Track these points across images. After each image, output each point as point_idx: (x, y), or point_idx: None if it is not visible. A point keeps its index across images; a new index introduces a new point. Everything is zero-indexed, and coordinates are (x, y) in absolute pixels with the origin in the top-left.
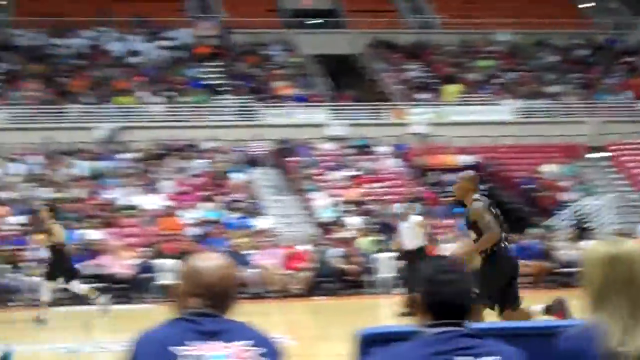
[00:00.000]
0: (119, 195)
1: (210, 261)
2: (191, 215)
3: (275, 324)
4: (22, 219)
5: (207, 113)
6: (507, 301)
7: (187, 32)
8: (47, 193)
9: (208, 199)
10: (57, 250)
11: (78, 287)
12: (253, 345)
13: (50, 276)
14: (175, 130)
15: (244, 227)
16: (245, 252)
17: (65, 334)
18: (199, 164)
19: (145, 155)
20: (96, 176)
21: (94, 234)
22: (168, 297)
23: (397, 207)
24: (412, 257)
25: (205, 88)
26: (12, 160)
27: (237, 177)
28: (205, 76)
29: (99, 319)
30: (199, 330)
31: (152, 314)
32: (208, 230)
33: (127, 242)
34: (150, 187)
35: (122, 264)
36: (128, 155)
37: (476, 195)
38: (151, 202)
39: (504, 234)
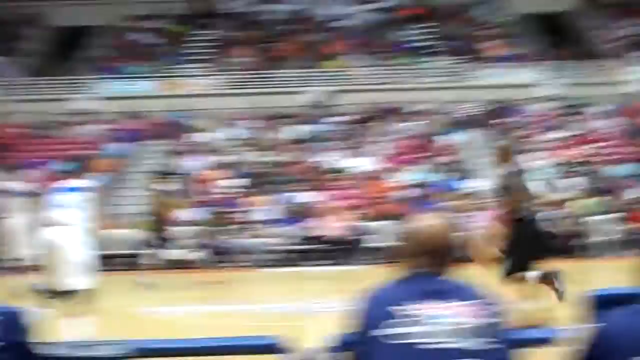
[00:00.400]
0: (328, 158)
1: (430, 221)
2: (400, 178)
3: (487, 287)
4: (235, 182)
5: (414, 75)
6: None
7: None
8: (257, 157)
9: (417, 161)
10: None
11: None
12: (476, 305)
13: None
14: (383, 93)
15: (453, 189)
16: (454, 214)
17: (278, 295)
18: (407, 127)
19: (353, 119)
20: (305, 140)
21: (303, 197)
22: (379, 259)
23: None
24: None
25: (412, 50)
26: (225, 125)
27: (445, 139)
28: (412, 38)
29: (311, 279)
30: (422, 290)
31: (362, 276)
32: (417, 193)
33: (337, 204)
34: (358, 150)
35: (332, 227)
36: (336, 119)
37: (509, 164)
38: (360, 164)
39: (527, 203)
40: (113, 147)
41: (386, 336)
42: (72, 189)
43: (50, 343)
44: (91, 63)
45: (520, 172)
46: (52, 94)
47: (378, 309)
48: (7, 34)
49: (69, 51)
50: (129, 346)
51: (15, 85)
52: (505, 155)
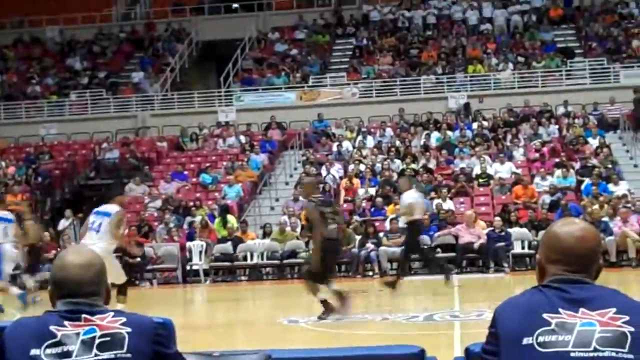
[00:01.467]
0: (472, 164)
1: (575, 226)
2: (545, 183)
3: (635, 293)
4: (376, 190)
5: (560, 77)
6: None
7: None
8: (399, 164)
9: (562, 165)
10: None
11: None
12: (619, 313)
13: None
14: (528, 96)
15: (601, 193)
16: (601, 219)
17: (420, 303)
18: (552, 130)
19: (497, 123)
20: (448, 146)
21: (446, 204)
22: (522, 266)
23: None
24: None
25: (558, 52)
26: (366, 133)
27: (592, 142)
28: (558, 39)
29: (452, 288)
30: (564, 298)
31: (505, 283)
32: (562, 198)
33: (480, 211)
34: (502, 155)
35: (474, 233)
36: (481, 124)
37: (312, 197)
38: (504, 170)
39: (332, 226)
40: (254, 158)
41: (541, 344)
42: (103, 214)
43: (185, 353)
44: (234, 76)
45: (323, 203)
46: (193, 108)
47: (530, 316)
48: (153, 49)
49: (213, 65)
50: (267, 356)
51: (155, 99)
52: (309, 189)
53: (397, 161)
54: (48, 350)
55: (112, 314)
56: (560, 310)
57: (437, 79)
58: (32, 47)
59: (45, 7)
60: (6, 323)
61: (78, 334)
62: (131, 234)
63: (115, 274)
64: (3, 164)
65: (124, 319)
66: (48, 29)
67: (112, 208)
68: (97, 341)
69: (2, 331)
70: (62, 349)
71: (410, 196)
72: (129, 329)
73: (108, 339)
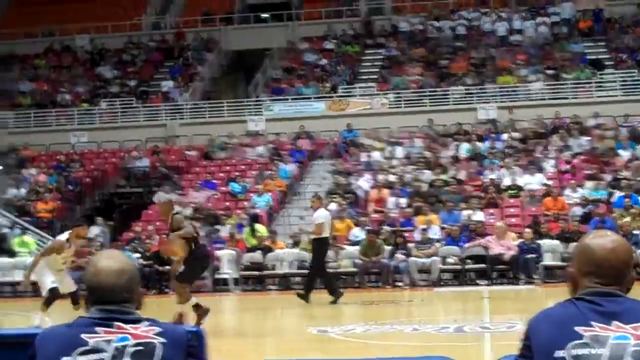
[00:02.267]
0: (502, 175)
1: (607, 239)
2: (576, 195)
3: None
4: (405, 201)
5: (590, 89)
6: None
7: (568, 6)
8: (430, 175)
9: (593, 177)
10: None
11: None
12: None
13: None
14: (559, 107)
15: (632, 205)
16: (634, 232)
17: (450, 314)
18: (583, 142)
19: (528, 134)
20: (478, 157)
21: (476, 215)
22: (554, 278)
23: None
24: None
25: (588, 63)
26: (395, 143)
27: (623, 154)
28: (588, 51)
29: (485, 299)
30: (597, 311)
31: (536, 296)
32: (594, 210)
33: (510, 222)
34: (533, 166)
35: (505, 245)
36: (511, 135)
37: (175, 212)
38: (534, 181)
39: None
40: (283, 167)
41: (574, 357)
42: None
43: None
44: (264, 85)
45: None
46: (222, 117)
47: (562, 329)
48: (182, 59)
49: (242, 74)
50: None
51: (185, 108)
52: (167, 208)
53: (427, 172)
54: (79, 358)
55: (146, 322)
56: (593, 323)
57: (466, 89)
58: (62, 55)
59: (75, 16)
60: (37, 330)
61: (110, 341)
62: (162, 241)
63: (67, 284)
64: (34, 171)
65: (158, 329)
66: (78, 37)
67: (62, 236)
68: (130, 350)
69: (33, 339)
70: (93, 356)
71: (322, 215)
72: (163, 340)
73: (141, 348)
